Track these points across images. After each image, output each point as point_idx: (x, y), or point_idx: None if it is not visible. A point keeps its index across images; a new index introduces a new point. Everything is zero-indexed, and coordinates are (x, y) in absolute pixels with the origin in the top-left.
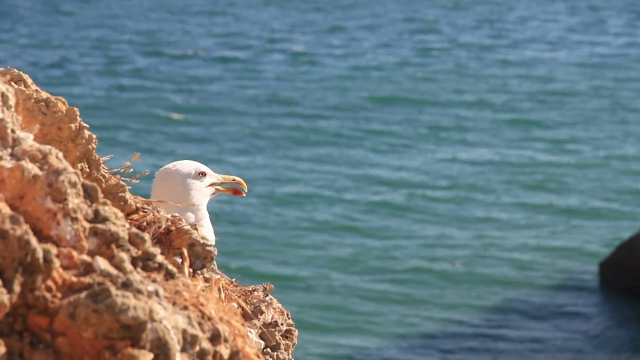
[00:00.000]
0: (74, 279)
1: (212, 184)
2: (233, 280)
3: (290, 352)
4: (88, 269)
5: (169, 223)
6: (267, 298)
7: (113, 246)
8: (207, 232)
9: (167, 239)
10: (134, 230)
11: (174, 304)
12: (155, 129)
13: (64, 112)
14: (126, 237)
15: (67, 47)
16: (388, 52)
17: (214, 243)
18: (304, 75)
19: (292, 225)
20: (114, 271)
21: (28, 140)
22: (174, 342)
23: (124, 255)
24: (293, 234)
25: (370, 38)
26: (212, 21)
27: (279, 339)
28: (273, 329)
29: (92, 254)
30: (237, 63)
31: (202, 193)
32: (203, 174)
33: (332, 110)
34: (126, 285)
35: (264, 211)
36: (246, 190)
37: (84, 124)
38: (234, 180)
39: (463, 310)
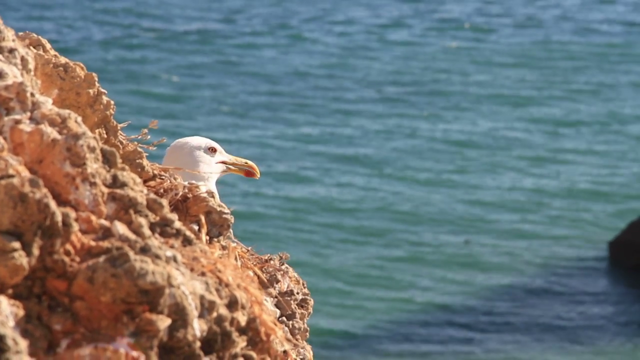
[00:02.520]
0: (93, 243)
1: (224, 162)
2: (249, 248)
3: (305, 321)
4: (106, 233)
5: (186, 190)
6: (283, 267)
7: (131, 211)
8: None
9: (184, 206)
10: (152, 196)
11: (192, 270)
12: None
13: (83, 77)
14: (144, 202)
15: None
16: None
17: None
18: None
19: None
20: (132, 236)
21: (47, 105)
22: (192, 307)
23: (142, 221)
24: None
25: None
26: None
27: (295, 307)
28: (289, 298)
29: (110, 218)
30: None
31: (210, 167)
32: (213, 150)
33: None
34: (144, 250)
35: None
36: (258, 175)
37: (102, 90)
38: (246, 163)
39: (471, 292)
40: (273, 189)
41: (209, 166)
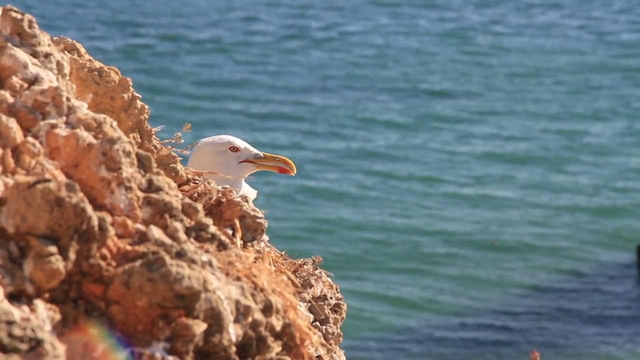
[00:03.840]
0: (129, 247)
1: (249, 161)
2: (282, 253)
3: (338, 326)
4: (142, 237)
5: (220, 195)
6: (317, 272)
7: (166, 216)
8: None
9: (218, 210)
10: (187, 200)
11: (227, 274)
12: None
13: (117, 81)
14: (179, 207)
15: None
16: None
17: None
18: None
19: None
20: (168, 240)
21: (83, 109)
22: (227, 312)
23: (177, 225)
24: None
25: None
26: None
27: (328, 312)
28: (322, 303)
29: (146, 223)
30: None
31: (229, 167)
32: (235, 149)
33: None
34: (180, 255)
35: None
36: (294, 171)
37: (137, 94)
38: (278, 159)
39: (496, 293)
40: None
41: (227, 167)
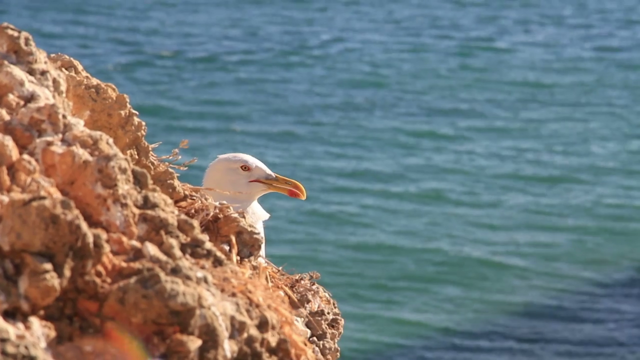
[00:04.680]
0: (124, 264)
1: (260, 181)
2: (280, 268)
3: (336, 341)
4: (137, 254)
5: (217, 211)
6: (314, 287)
7: (162, 232)
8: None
9: (215, 226)
10: (183, 216)
11: (223, 290)
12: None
13: (114, 98)
14: (175, 223)
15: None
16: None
17: (261, 232)
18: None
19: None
20: (163, 257)
21: (79, 126)
22: (223, 328)
23: (173, 242)
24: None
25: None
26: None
27: (326, 327)
28: (319, 318)
29: (141, 239)
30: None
31: (238, 185)
32: (246, 168)
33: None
34: (175, 271)
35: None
36: (304, 196)
37: (134, 111)
38: (288, 182)
39: (492, 314)
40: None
41: (239, 186)
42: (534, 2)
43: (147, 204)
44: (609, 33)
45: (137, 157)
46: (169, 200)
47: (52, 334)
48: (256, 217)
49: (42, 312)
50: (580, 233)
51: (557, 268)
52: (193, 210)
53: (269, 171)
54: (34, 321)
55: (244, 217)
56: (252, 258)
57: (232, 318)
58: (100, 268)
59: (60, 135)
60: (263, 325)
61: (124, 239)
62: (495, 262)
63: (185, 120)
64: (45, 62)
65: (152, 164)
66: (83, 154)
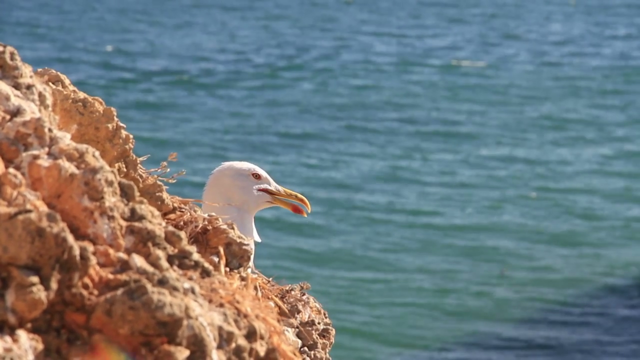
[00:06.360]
0: (111, 276)
1: (267, 191)
2: (270, 279)
3: (327, 351)
4: (124, 266)
5: (206, 222)
6: (304, 297)
7: (149, 244)
8: (246, 233)
9: (204, 238)
10: (170, 228)
11: (210, 301)
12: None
13: (101, 112)
14: (162, 235)
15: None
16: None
17: (252, 243)
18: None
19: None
20: (150, 268)
21: (65, 139)
22: (210, 339)
23: (160, 253)
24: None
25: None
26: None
27: (316, 337)
28: (310, 328)
29: (128, 251)
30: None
31: (249, 192)
32: (257, 176)
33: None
34: (162, 283)
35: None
36: (309, 211)
37: (121, 124)
38: (295, 196)
39: (488, 325)
40: None
41: (247, 192)
42: None
43: (134, 216)
44: None
45: (125, 170)
46: (157, 212)
47: (40, 346)
48: (247, 232)
49: (29, 325)
50: (574, 240)
51: (553, 277)
52: (182, 223)
53: (275, 184)
54: (22, 334)
55: (233, 228)
56: (241, 269)
57: (220, 328)
58: (87, 280)
59: (47, 149)
60: (251, 335)
61: (111, 251)
62: (504, 269)
63: (175, 132)
64: (31, 77)
65: (141, 176)
66: (69, 167)
